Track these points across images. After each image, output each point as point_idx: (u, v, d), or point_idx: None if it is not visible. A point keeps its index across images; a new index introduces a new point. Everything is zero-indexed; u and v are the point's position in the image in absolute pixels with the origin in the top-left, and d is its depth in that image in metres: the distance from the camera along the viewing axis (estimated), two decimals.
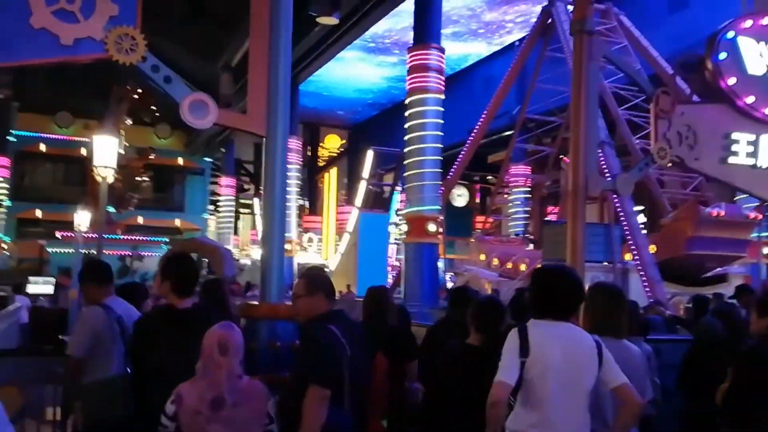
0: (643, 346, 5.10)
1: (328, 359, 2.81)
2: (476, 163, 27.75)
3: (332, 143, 43.17)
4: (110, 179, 8.49)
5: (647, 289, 13.23)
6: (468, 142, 20.67)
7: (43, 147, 31.86)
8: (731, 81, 5.92)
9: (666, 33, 19.18)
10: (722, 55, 5.92)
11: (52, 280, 14.40)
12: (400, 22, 23.46)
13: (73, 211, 31.60)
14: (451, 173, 20.63)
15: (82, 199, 30.54)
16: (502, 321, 3.52)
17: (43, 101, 30.10)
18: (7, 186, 28.75)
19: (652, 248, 14.56)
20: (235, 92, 26.96)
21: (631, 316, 5.19)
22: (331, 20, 17.42)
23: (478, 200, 39.84)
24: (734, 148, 6.00)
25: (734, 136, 6.01)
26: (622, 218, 14.11)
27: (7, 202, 28.57)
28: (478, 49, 28.11)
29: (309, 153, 41.31)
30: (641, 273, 13.60)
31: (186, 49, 27.13)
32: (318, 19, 17.47)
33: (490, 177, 32.89)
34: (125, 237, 23.48)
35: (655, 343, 5.73)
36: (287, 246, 25.85)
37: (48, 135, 31.95)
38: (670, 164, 5.70)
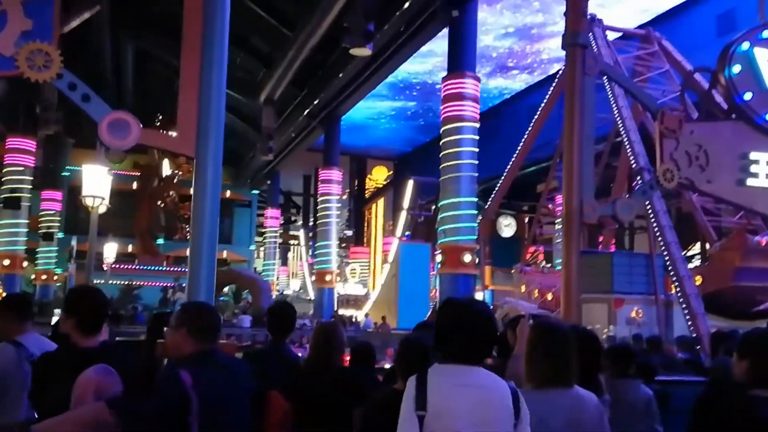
0: (642, 389, 4.63)
1: (151, 406, 2.49)
2: (525, 193, 27.21)
3: (379, 174, 43.27)
4: (102, 209, 8.51)
5: (690, 322, 12.43)
6: (506, 171, 20.26)
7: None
8: (747, 96, 5.45)
9: (714, 57, 18.45)
10: (736, 69, 5.47)
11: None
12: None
13: (126, 243, 32.56)
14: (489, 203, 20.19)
15: (131, 231, 31.45)
16: (425, 362, 3.08)
17: (96, 137, 31.15)
18: (60, 219, 29.69)
19: (698, 279, 13.74)
20: (278, 126, 27.33)
21: (620, 355, 4.74)
22: (365, 51, 17.31)
23: (527, 230, 38.97)
24: (753, 168, 5.50)
25: (753, 155, 5.51)
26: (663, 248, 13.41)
27: (60, 234, 29.46)
28: (523, 80, 27.88)
29: (356, 185, 41.53)
30: (684, 306, 12.81)
31: (230, 84, 27.70)
32: (351, 51, 17.43)
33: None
34: (169, 269, 23.81)
35: (664, 385, 5.22)
36: (327, 277, 25.91)
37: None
38: (675, 187, 5.23)
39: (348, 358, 4.14)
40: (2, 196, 21.28)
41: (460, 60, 18.00)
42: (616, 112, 15.30)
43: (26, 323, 3.72)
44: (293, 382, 3.61)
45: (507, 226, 36.07)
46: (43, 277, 27.99)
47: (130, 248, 31.27)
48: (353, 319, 23.38)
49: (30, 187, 22.76)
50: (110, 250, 16.15)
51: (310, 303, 29.18)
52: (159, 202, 30.09)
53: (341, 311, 24.58)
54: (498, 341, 2.52)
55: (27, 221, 22.87)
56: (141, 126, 3.59)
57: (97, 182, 7.60)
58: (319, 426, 3.52)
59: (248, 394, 2.84)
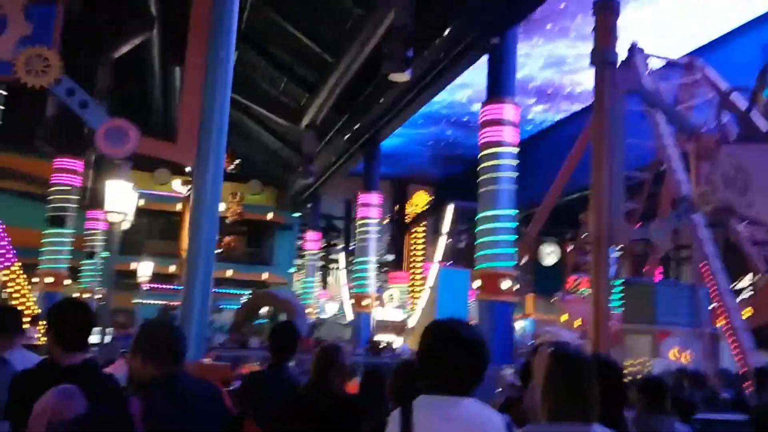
0: (676, 427, 4.34)
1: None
2: (568, 220, 26.72)
3: (420, 200, 43.12)
4: (126, 225, 8.54)
5: (738, 357, 11.84)
6: (546, 197, 19.96)
7: (141, 202, 33.58)
8: None
9: None
10: None
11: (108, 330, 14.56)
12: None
13: (168, 264, 33.07)
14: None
15: (175, 252, 31.95)
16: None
17: (143, 159, 31.89)
18: (105, 238, 30.37)
19: (747, 312, 13.12)
20: (319, 150, 27.56)
21: (654, 389, 4.45)
22: (403, 77, 17.31)
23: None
24: None
25: None
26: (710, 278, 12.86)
27: (104, 254, 30.11)
28: (564, 111, 27.69)
29: (396, 210, 41.47)
30: (731, 340, 12.22)
31: (274, 109, 28.16)
32: (390, 77, 17.46)
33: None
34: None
35: (705, 424, 4.91)
36: (365, 301, 25.79)
37: (147, 191, 33.69)
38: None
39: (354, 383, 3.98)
40: (48, 214, 21.88)
41: (500, 86, 17.90)
42: (658, 139, 14.90)
43: (15, 338, 3.59)
44: (286, 406, 3.45)
45: (550, 254, 35.42)
46: (86, 295, 28.58)
47: (173, 269, 31.72)
48: (390, 345, 23.13)
49: (76, 206, 23.32)
50: (146, 269, 16.29)
51: (347, 327, 29.04)
52: None
53: (377, 336, 24.36)
54: (482, 369, 2.24)
55: (71, 240, 23.37)
56: (140, 134, 3.44)
57: (120, 198, 7.59)
58: None
59: (214, 424, 2.60)
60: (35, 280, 21.75)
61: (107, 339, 13.84)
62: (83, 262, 29.40)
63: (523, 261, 19.39)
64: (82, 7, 22.92)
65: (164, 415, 2.33)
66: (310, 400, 3.42)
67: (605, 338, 4.50)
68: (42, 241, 22.66)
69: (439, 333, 2.22)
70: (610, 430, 2.63)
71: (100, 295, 28.53)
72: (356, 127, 24.54)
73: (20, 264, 16.95)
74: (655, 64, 17.47)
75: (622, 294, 14.81)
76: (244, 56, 28.02)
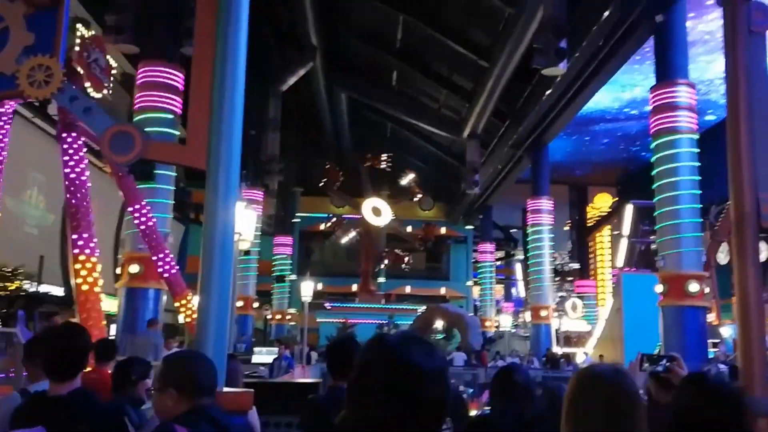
0: None
1: None
2: None
3: (602, 202, 40.66)
4: (245, 245, 8.66)
5: None
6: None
7: (322, 226, 35.20)
8: None
9: None
10: None
11: (275, 350, 15.03)
12: None
13: (350, 284, 34.25)
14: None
15: (357, 271, 32.95)
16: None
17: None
18: (290, 262, 32.25)
19: None
20: (484, 159, 27.03)
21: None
22: (557, 71, 16.35)
23: None
24: None
25: None
26: None
27: (292, 276, 31.93)
28: None
29: (577, 214, 39.50)
30: None
31: (437, 122, 28.16)
32: (543, 72, 16.57)
33: None
34: (380, 306, 24.37)
35: None
36: (543, 312, 24.60)
37: (327, 214, 35.24)
38: None
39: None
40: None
41: (670, 67, 16.25)
42: None
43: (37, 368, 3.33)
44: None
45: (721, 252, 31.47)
46: (278, 316, 30.44)
47: (354, 287, 32.69)
48: (570, 357, 21.74)
49: (259, 233, 24.86)
50: (307, 288, 16.80)
51: (526, 340, 27.93)
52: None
53: (557, 349, 23.07)
54: (443, 406, 1.38)
55: (256, 266, 24.99)
56: (145, 139, 3.22)
57: (242, 223, 7.72)
58: None
59: None
60: None
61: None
62: (274, 285, 31.45)
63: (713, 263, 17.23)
64: (250, 45, 24.75)
65: None
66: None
67: (758, 354, 3.49)
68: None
69: (373, 361, 1.39)
70: None
71: (289, 317, 30.28)
72: (519, 130, 23.66)
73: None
74: None
75: None
76: (403, 75, 28.45)
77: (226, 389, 2.65)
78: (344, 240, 29.16)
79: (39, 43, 3.85)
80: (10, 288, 14.88)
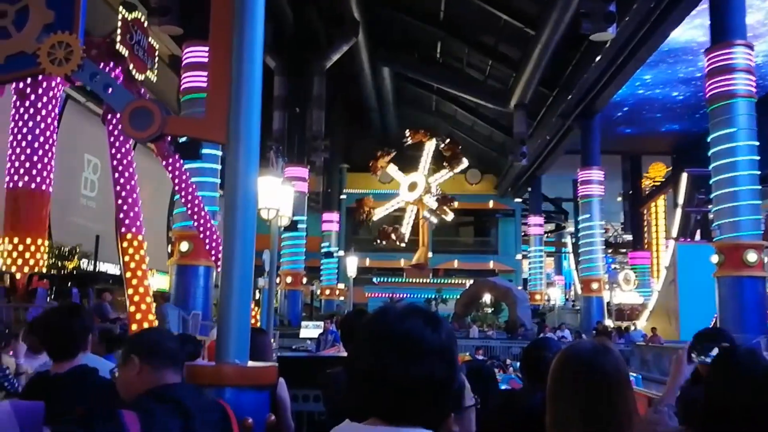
0: None
1: None
2: None
3: (656, 172, 39.48)
4: (284, 221, 8.63)
5: None
6: None
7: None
8: None
9: None
10: None
11: (321, 324, 15.13)
12: None
13: (397, 259, 34.36)
14: None
15: (404, 247, 33.02)
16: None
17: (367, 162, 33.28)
18: (338, 238, 32.47)
19: None
20: (532, 130, 26.48)
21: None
22: (606, 36, 15.80)
23: None
24: None
25: None
26: None
27: (340, 252, 32.16)
28: None
29: (631, 185, 38.46)
30: None
31: (483, 94, 27.70)
32: (591, 37, 16.04)
33: None
34: (428, 281, 24.34)
35: None
36: (594, 284, 24.15)
37: (372, 191, 35.31)
38: None
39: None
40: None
41: (726, 27, 15.60)
42: None
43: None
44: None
45: None
46: (327, 292, 30.77)
47: (402, 262, 32.72)
48: (623, 330, 21.32)
49: (304, 210, 25.07)
50: (352, 263, 16.83)
51: (576, 314, 27.50)
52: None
53: (609, 322, 22.65)
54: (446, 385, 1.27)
55: (304, 242, 25.20)
56: (165, 114, 3.18)
57: (271, 194, 7.69)
58: None
59: None
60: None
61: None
62: (323, 261, 31.78)
63: None
64: (294, 22, 24.74)
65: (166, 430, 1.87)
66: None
67: None
68: (281, 245, 24.84)
69: (361, 335, 1.32)
70: None
71: (338, 292, 30.57)
72: (568, 99, 23.03)
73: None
74: None
75: None
76: (447, 47, 28.01)
77: (250, 363, 2.62)
78: (376, 217, 29.56)
79: (59, 20, 3.85)
80: (69, 267, 15.42)
